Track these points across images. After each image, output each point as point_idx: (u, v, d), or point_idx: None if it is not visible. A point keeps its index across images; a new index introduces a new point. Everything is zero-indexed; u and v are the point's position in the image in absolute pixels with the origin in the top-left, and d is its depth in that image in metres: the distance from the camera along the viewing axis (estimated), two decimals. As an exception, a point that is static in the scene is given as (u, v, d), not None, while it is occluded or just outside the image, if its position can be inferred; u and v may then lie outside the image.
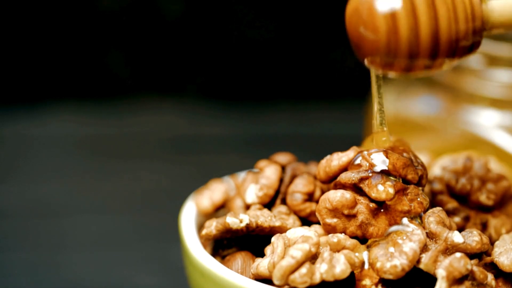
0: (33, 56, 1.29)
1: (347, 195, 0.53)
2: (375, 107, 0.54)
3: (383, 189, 0.52)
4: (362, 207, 0.53)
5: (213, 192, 0.61)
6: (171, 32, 1.30)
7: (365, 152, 0.54)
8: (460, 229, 0.56)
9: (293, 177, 0.57)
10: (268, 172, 0.57)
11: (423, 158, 0.65)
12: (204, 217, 0.61)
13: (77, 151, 1.17)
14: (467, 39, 0.49)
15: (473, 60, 0.80)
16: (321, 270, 0.49)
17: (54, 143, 1.19)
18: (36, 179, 1.07)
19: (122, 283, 0.83)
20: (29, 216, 0.96)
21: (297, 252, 0.50)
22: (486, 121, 0.79)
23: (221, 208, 0.61)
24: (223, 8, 1.29)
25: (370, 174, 0.53)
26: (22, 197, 1.01)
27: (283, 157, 0.60)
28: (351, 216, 0.53)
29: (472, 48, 0.50)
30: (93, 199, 1.01)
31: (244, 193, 0.57)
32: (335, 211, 0.53)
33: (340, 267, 0.50)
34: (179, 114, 1.28)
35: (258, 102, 1.31)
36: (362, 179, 0.53)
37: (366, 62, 0.50)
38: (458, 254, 0.50)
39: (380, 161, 0.53)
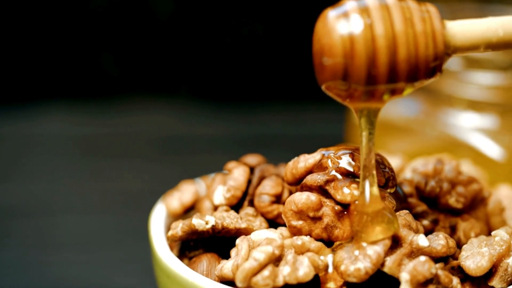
0: (25, 56, 1.29)
1: (312, 197, 0.52)
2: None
3: (348, 192, 0.52)
4: (328, 210, 0.52)
5: (183, 193, 0.61)
6: (163, 33, 1.29)
7: (332, 154, 0.54)
8: (429, 232, 0.55)
9: (261, 179, 0.57)
10: (236, 174, 0.57)
11: (396, 160, 0.64)
12: (174, 218, 0.61)
13: (68, 150, 1.17)
14: (428, 64, 0.49)
15: (452, 62, 0.80)
16: (284, 273, 0.49)
17: (46, 142, 1.19)
18: (26, 178, 1.07)
19: (103, 283, 0.83)
20: (11, 216, 0.96)
21: (260, 254, 0.49)
22: (465, 123, 0.79)
23: (191, 210, 0.61)
24: (215, 9, 1.29)
25: (336, 177, 0.52)
26: (9, 197, 1.01)
27: (252, 159, 0.59)
28: (317, 219, 0.52)
29: (434, 72, 0.49)
30: (80, 199, 1.01)
31: (212, 195, 0.57)
32: (300, 213, 0.52)
33: (303, 270, 0.49)
34: (171, 114, 1.28)
35: (250, 102, 1.31)
36: (327, 181, 0.52)
37: (324, 87, 0.50)
38: (422, 258, 0.49)
39: (346, 163, 0.53)
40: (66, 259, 0.87)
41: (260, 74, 1.32)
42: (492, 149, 0.76)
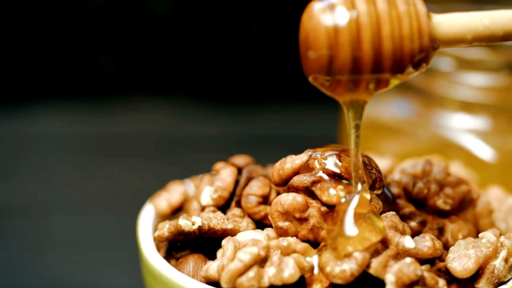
0: (23, 56, 1.29)
1: (299, 198, 0.52)
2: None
3: (334, 193, 0.51)
4: (314, 211, 0.52)
5: (171, 194, 0.61)
6: (161, 33, 1.29)
7: (318, 155, 0.53)
8: (416, 233, 0.55)
9: (249, 180, 0.57)
10: (224, 174, 0.57)
11: (386, 161, 0.64)
12: (162, 219, 0.61)
13: (65, 150, 1.17)
14: (413, 56, 0.49)
15: (444, 63, 0.79)
16: (269, 274, 0.49)
17: (43, 142, 1.19)
18: (23, 178, 1.07)
19: (95, 283, 0.83)
20: (7, 215, 0.96)
21: (245, 255, 0.49)
22: (457, 125, 0.79)
23: (179, 210, 0.61)
24: (212, 9, 1.29)
25: (322, 178, 0.52)
26: (5, 196, 1.01)
27: (240, 159, 0.59)
28: (303, 220, 0.52)
29: (419, 64, 0.49)
30: (76, 199, 1.01)
31: (200, 195, 0.57)
32: (286, 214, 0.52)
33: (288, 271, 0.49)
34: (169, 114, 1.28)
35: (247, 102, 1.31)
36: (314, 183, 0.52)
37: (311, 79, 0.50)
38: (408, 259, 0.49)
39: (333, 164, 0.53)
40: (62, 259, 0.87)
41: (257, 74, 1.32)
42: (484, 151, 0.76)
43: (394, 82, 0.50)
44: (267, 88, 1.33)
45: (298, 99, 1.31)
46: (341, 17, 0.48)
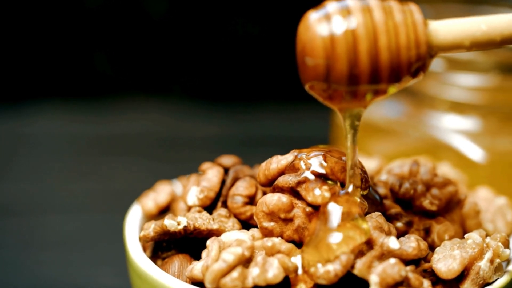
0: (19, 55, 1.29)
1: (284, 198, 0.52)
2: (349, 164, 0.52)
3: (319, 194, 0.51)
4: (299, 211, 0.52)
5: (158, 194, 0.61)
6: (157, 32, 1.29)
7: (304, 156, 0.53)
8: (403, 234, 0.55)
9: (235, 180, 0.57)
10: (210, 175, 0.57)
11: (374, 162, 0.64)
12: (149, 219, 0.61)
13: (60, 149, 1.17)
14: (410, 65, 0.49)
15: (435, 64, 0.79)
16: (253, 274, 0.49)
17: (38, 141, 1.19)
18: (18, 177, 1.07)
19: (87, 283, 0.82)
20: (2, 215, 0.96)
21: (229, 255, 0.49)
22: (447, 125, 0.78)
23: (166, 210, 0.61)
24: (209, 9, 1.29)
25: (308, 178, 0.52)
26: (0, 195, 1.01)
27: (227, 160, 0.59)
28: (288, 220, 0.52)
29: (416, 73, 0.49)
30: (70, 198, 1.01)
31: (186, 195, 0.57)
32: (272, 215, 0.52)
33: (272, 272, 0.49)
34: (165, 113, 1.28)
35: (243, 102, 1.31)
36: (299, 183, 0.52)
37: (307, 87, 0.50)
38: (392, 260, 0.49)
39: (318, 165, 0.53)
40: (56, 258, 0.87)
41: (254, 74, 1.32)
42: (474, 151, 0.76)
43: (392, 90, 0.49)
44: (263, 88, 1.33)
45: (295, 99, 1.31)
46: (337, 28, 0.48)
